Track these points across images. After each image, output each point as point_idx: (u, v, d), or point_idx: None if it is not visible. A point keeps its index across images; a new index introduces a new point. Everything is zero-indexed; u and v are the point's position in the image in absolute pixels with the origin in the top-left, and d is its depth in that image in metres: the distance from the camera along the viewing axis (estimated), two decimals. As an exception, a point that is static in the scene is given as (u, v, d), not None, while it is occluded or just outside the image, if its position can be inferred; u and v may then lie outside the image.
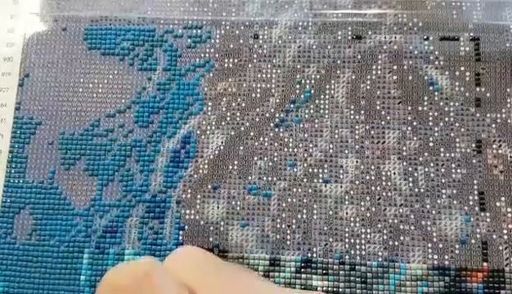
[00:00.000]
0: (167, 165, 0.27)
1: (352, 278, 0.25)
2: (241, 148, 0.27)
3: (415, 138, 0.26)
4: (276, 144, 0.27)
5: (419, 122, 0.26)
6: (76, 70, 0.28)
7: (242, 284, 0.15)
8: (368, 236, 0.25)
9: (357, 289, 0.25)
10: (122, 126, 0.28)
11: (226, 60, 0.28)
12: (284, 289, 0.15)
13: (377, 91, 0.27)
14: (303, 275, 0.25)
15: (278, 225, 0.26)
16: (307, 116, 0.27)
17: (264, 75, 0.27)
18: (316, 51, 0.28)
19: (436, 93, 0.27)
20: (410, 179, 0.26)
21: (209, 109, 0.27)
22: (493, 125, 0.26)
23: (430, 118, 0.26)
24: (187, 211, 0.26)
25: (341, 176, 0.26)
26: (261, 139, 0.27)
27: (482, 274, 0.24)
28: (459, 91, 0.27)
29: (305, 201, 0.26)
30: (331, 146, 0.26)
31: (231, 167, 0.27)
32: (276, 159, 0.27)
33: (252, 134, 0.27)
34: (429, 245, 0.25)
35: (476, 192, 0.25)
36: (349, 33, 0.28)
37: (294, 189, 0.26)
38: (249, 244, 0.26)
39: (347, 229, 0.25)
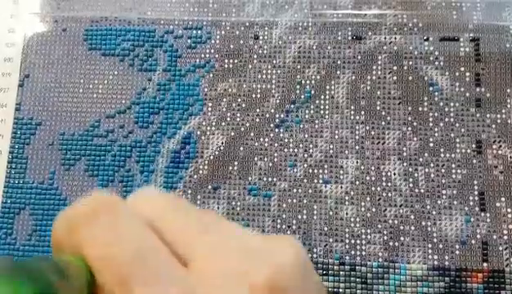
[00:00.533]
0: (167, 165, 0.27)
1: (352, 278, 0.25)
2: (241, 148, 0.27)
3: (415, 138, 0.26)
4: (276, 144, 0.27)
5: (420, 122, 0.26)
6: (76, 71, 0.28)
7: (219, 231, 0.13)
8: (368, 236, 0.25)
9: (357, 289, 0.25)
10: (122, 126, 0.27)
11: (227, 61, 0.28)
12: (265, 236, 0.14)
13: (377, 91, 0.27)
14: (304, 276, 0.25)
15: (278, 226, 0.26)
16: (307, 116, 0.27)
17: (264, 76, 0.27)
18: (316, 51, 0.28)
19: (436, 93, 0.27)
20: (411, 179, 0.26)
21: (209, 109, 0.27)
22: (493, 125, 0.26)
23: (430, 119, 0.26)
24: (187, 212, 0.26)
25: (341, 177, 0.26)
26: (261, 139, 0.27)
27: (482, 275, 0.24)
28: (459, 91, 0.27)
29: (305, 201, 0.26)
30: (331, 147, 0.26)
31: (231, 168, 0.27)
32: (276, 160, 0.27)
33: (252, 134, 0.27)
34: (430, 245, 0.25)
35: (476, 192, 0.25)
36: (349, 33, 0.28)
37: (295, 190, 0.26)
38: (249, 245, 0.26)
39: (347, 230, 0.25)
